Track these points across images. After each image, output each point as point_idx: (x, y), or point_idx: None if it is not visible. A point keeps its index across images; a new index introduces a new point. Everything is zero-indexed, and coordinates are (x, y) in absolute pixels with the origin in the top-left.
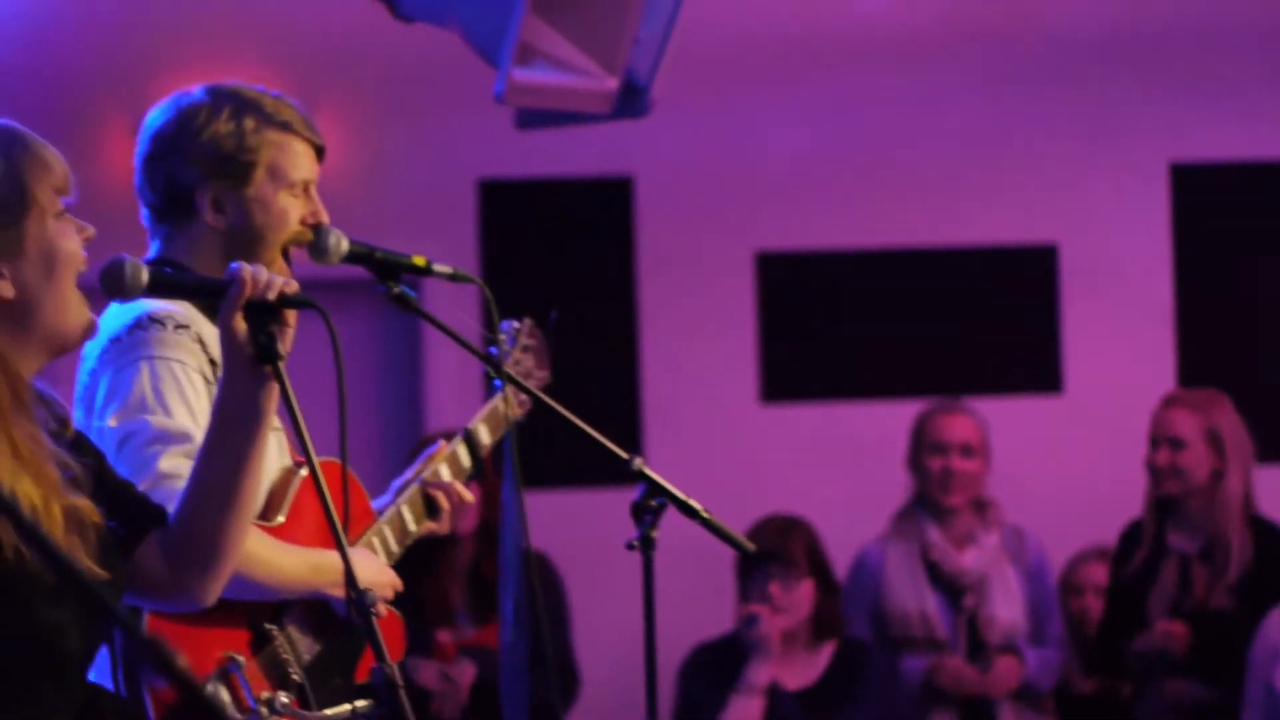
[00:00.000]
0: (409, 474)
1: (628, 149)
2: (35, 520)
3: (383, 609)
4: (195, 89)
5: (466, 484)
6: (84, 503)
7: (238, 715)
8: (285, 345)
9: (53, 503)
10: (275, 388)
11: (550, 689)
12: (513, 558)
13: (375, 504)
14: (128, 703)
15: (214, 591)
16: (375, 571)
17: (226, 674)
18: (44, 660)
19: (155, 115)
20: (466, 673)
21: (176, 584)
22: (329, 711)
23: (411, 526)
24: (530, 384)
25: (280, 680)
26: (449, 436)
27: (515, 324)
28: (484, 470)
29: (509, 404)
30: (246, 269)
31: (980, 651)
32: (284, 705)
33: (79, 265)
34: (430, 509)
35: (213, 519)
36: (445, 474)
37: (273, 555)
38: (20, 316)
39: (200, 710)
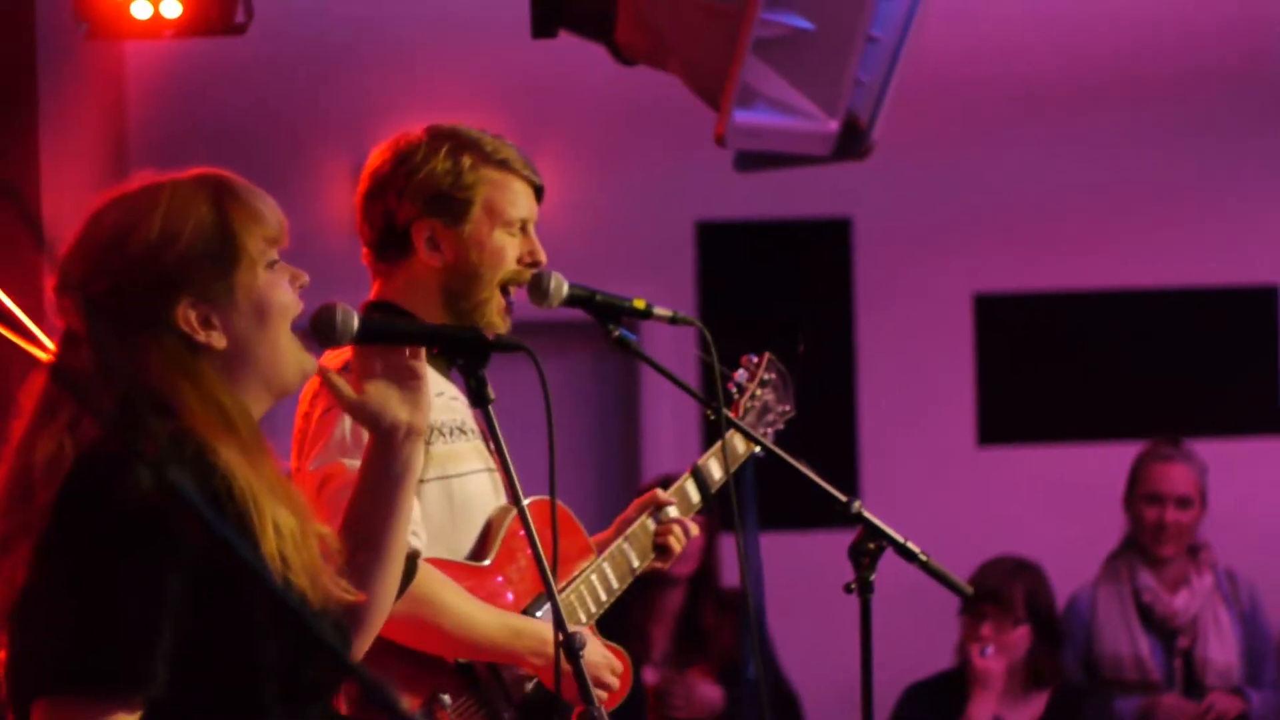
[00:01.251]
0: (630, 510)
1: (846, 190)
2: (293, 551)
3: (600, 692)
4: (416, 129)
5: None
6: (328, 530)
7: None
8: (416, 408)
9: (308, 531)
10: (417, 455)
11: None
12: (755, 601)
13: (596, 538)
14: None
15: (358, 647)
16: (591, 650)
17: (431, 712)
18: (310, 681)
19: (375, 155)
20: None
21: None
22: None
23: (635, 563)
24: (770, 418)
25: (490, 718)
26: (666, 484)
27: (754, 359)
28: (712, 507)
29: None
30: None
31: (1196, 692)
32: None
33: (293, 313)
34: (656, 546)
35: (359, 569)
36: (673, 512)
37: (468, 609)
38: (237, 364)
39: None
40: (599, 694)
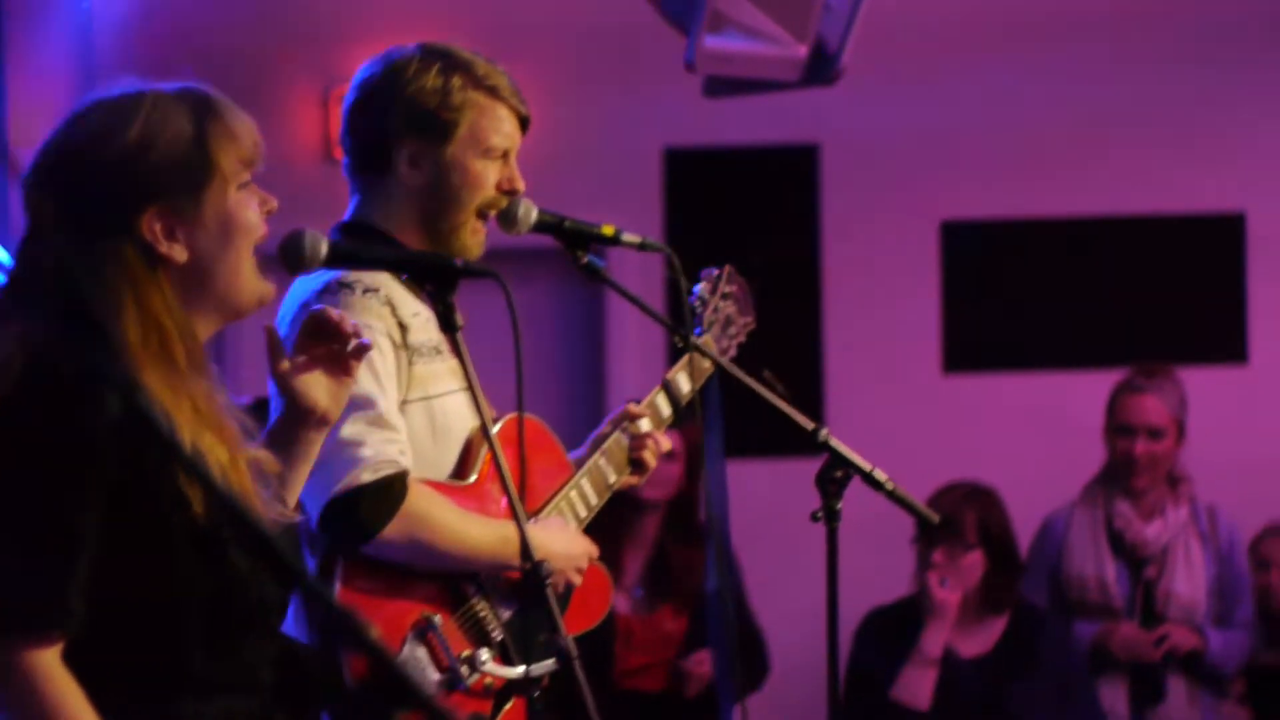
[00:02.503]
0: (604, 426)
1: (813, 117)
2: (224, 477)
3: (576, 578)
4: (410, 45)
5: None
6: (263, 453)
7: (436, 675)
8: (336, 400)
9: (237, 456)
10: (318, 441)
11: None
12: (718, 514)
13: (571, 455)
14: (321, 656)
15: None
16: (568, 541)
17: (424, 633)
18: (243, 611)
19: (366, 66)
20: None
21: None
22: (534, 667)
23: (611, 478)
24: (733, 330)
25: (480, 638)
26: (636, 402)
27: (715, 271)
28: (683, 418)
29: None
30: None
31: (1155, 623)
32: (484, 662)
33: (257, 236)
34: (631, 461)
35: None
36: (645, 425)
37: (459, 524)
38: (193, 281)
39: (393, 680)
40: (571, 578)
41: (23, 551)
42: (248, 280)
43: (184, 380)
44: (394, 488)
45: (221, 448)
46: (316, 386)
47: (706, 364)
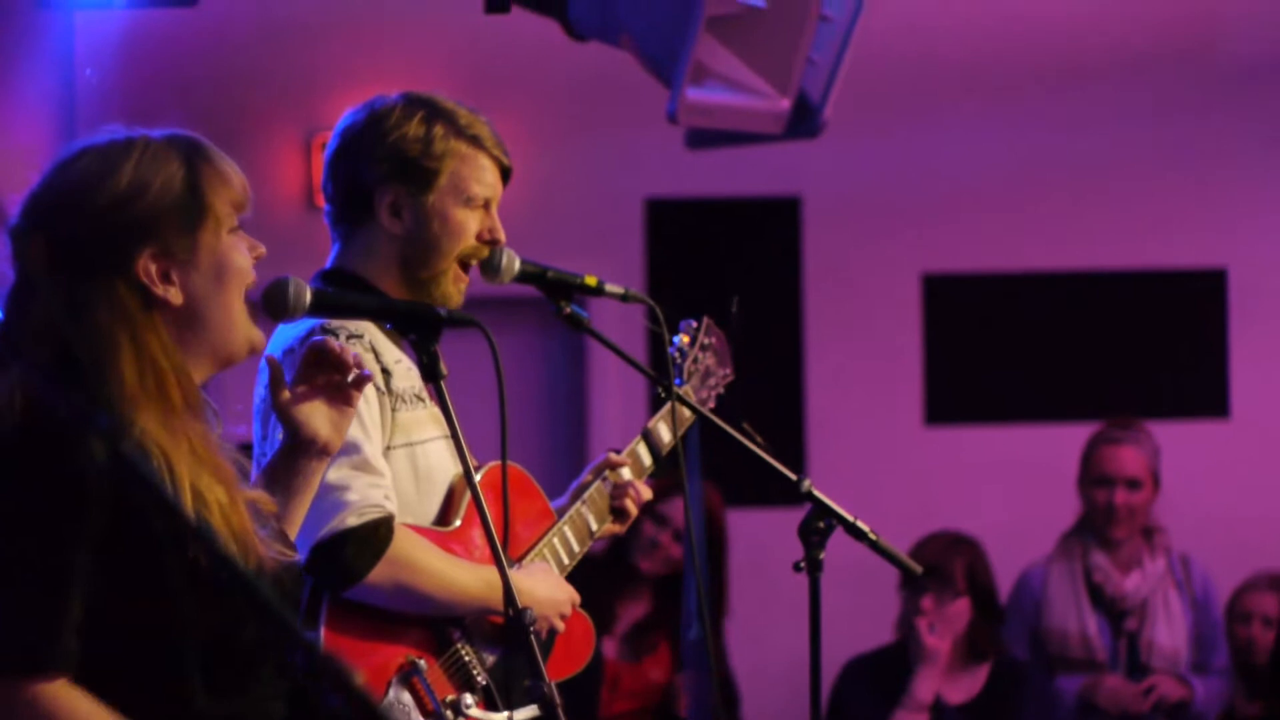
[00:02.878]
0: (585, 475)
1: (796, 169)
2: (224, 517)
3: (559, 624)
4: (394, 94)
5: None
6: (260, 494)
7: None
8: (337, 430)
9: (235, 496)
10: (318, 472)
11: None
12: (698, 553)
13: (553, 504)
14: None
15: None
16: (552, 587)
17: (408, 678)
18: (246, 649)
19: (349, 114)
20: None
21: None
22: (518, 715)
23: (593, 526)
24: (712, 382)
25: (465, 683)
26: (618, 452)
27: (693, 323)
28: (663, 468)
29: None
30: (330, 343)
31: (1140, 675)
32: (469, 706)
33: (248, 280)
34: (613, 509)
35: None
36: (626, 474)
37: (444, 569)
38: (187, 324)
39: None
40: (555, 624)
41: (14, 592)
42: (240, 324)
43: (181, 421)
44: (379, 532)
45: (220, 488)
46: (318, 416)
47: (687, 414)
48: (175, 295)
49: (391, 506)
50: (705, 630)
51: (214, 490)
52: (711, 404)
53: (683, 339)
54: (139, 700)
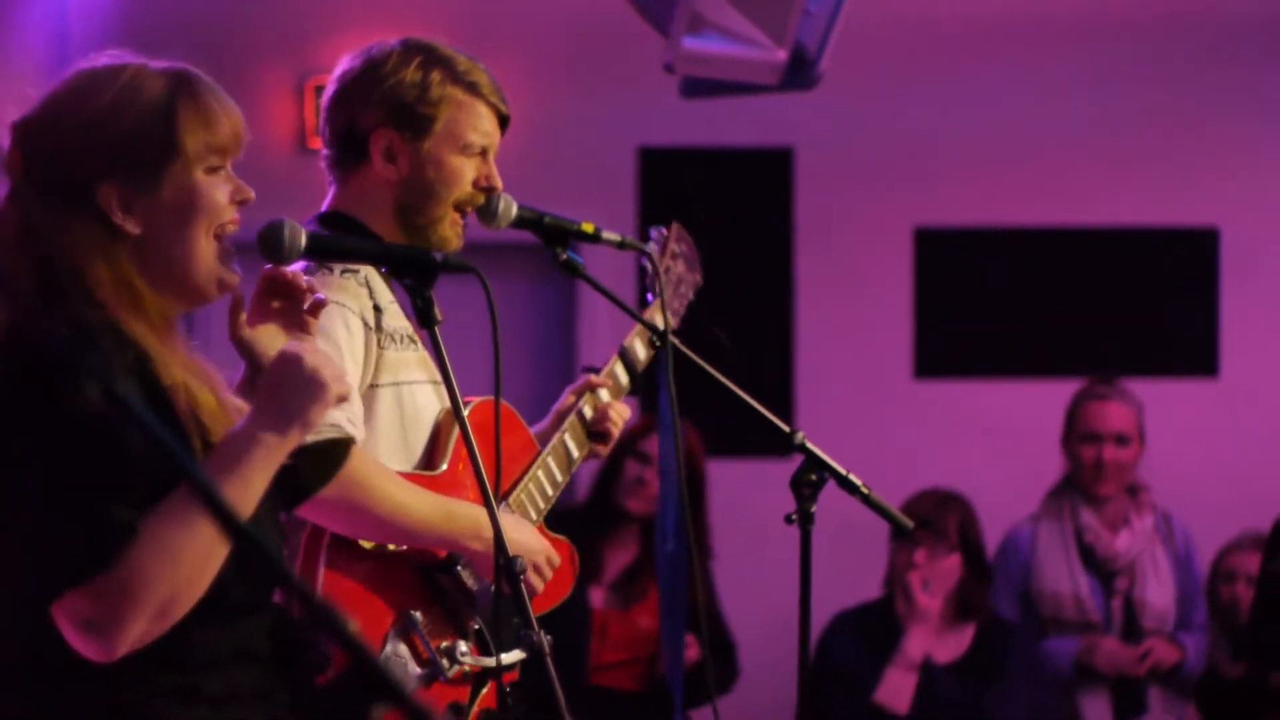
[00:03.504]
0: (565, 397)
1: (789, 120)
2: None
3: (535, 580)
4: (392, 40)
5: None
6: (243, 403)
7: (417, 669)
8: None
9: (224, 404)
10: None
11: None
12: (671, 469)
13: (534, 428)
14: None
15: None
16: (528, 537)
17: (405, 629)
18: (240, 588)
19: (346, 59)
20: None
21: None
22: (508, 656)
23: (575, 453)
24: (683, 289)
25: (458, 629)
26: (596, 370)
27: (663, 230)
28: (641, 385)
29: (665, 317)
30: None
31: (1134, 635)
32: (463, 653)
33: (219, 220)
34: (592, 434)
35: None
36: (604, 395)
37: (401, 494)
38: (148, 257)
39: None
40: (534, 583)
41: (62, 506)
42: (205, 261)
43: (162, 331)
44: (334, 451)
45: (208, 392)
46: (275, 344)
47: (661, 328)
48: (133, 226)
49: (353, 430)
50: (690, 544)
51: (204, 394)
52: (682, 311)
53: (652, 247)
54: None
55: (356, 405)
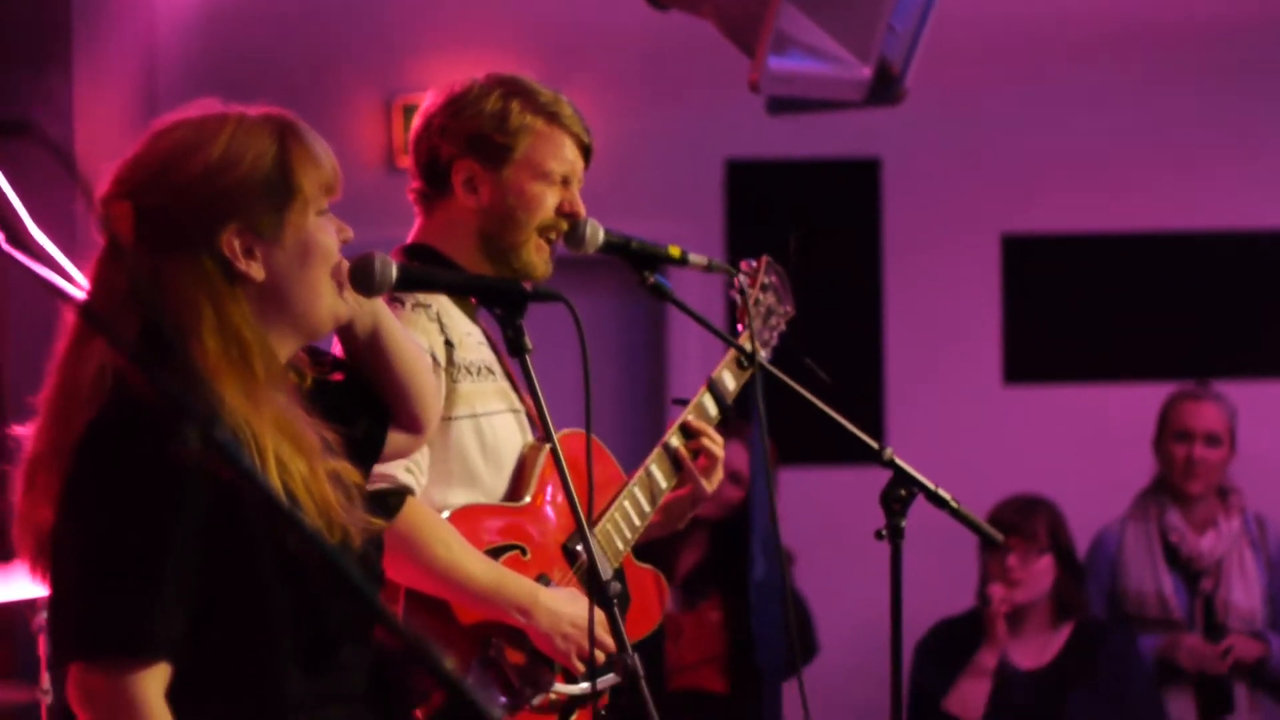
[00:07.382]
0: (666, 437)
1: (875, 131)
2: (306, 489)
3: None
4: (479, 75)
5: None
6: (343, 465)
7: (503, 697)
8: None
9: (317, 467)
10: (369, 315)
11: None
12: (762, 493)
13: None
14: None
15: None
16: (576, 612)
17: (489, 658)
18: (335, 625)
19: (431, 94)
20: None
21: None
22: (602, 680)
23: (663, 484)
24: (774, 320)
25: (543, 657)
26: (685, 402)
27: (753, 263)
28: (731, 416)
29: (754, 347)
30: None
31: (1217, 634)
32: (547, 681)
33: (333, 260)
34: (676, 462)
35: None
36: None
37: (452, 552)
38: (269, 301)
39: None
40: (575, 665)
41: (118, 576)
42: (325, 301)
43: (263, 392)
44: (387, 501)
45: (300, 459)
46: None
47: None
48: (258, 271)
49: (408, 479)
50: (782, 566)
51: (296, 462)
52: (775, 342)
53: (744, 281)
54: (237, 688)
55: (422, 455)
